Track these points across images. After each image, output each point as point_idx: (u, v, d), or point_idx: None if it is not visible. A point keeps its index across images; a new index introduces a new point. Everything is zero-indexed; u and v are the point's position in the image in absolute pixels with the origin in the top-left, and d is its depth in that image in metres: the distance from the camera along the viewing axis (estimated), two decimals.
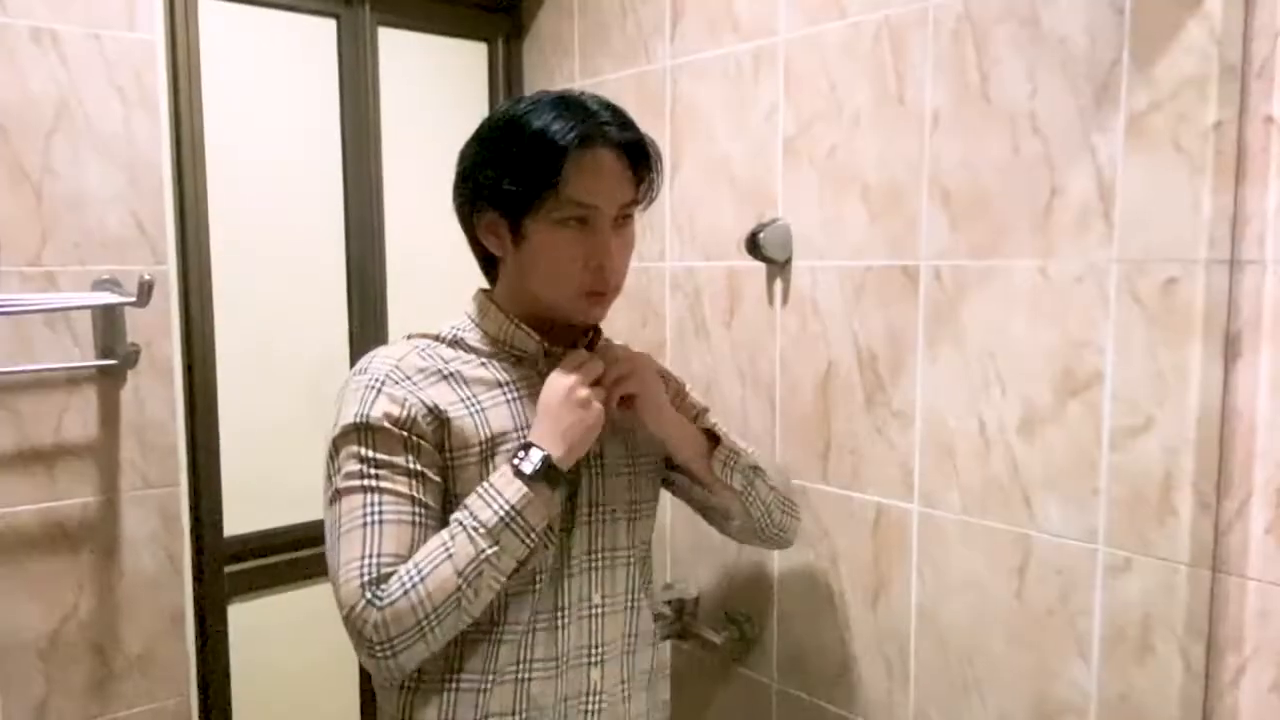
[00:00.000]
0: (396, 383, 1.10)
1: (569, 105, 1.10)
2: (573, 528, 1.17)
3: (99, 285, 1.55)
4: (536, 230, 1.10)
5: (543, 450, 1.06)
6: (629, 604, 1.23)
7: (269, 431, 1.83)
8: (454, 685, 1.13)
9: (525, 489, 1.05)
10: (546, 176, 1.07)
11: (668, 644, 1.33)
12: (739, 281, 1.68)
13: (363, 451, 1.07)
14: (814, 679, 1.63)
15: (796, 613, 1.64)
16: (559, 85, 2.00)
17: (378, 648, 1.03)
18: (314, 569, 1.91)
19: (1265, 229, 1.11)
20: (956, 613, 1.42)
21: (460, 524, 1.05)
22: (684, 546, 1.82)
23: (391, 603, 1.02)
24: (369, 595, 1.03)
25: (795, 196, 1.58)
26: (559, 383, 1.10)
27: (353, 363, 1.91)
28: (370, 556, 1.04)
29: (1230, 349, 1.14)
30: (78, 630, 1.59)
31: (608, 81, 1.89)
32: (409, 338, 1.19)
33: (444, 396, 1.11)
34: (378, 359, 1.14)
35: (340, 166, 1.88)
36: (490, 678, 1.13)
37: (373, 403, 1.09)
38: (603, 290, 1.13)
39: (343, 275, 1.90)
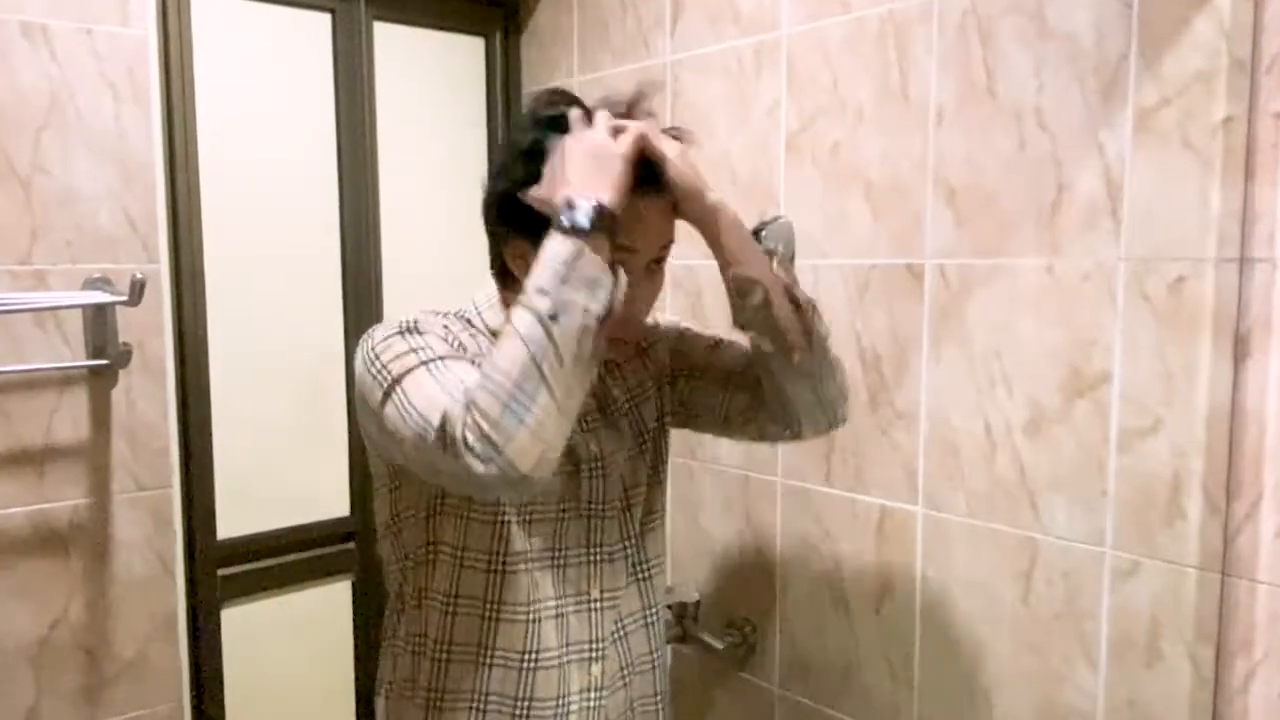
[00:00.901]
0: (420, 323, 1.11)
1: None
2: (568, 521, 1.18)
3: (90, 284, 1.55)
4: None
5: (590, 200, 0.98)
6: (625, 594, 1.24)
7: (263, 432, 1.82)
8: (444, 656, 1.16)
9: (574, 241, 0.98)
10: None
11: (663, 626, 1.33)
12: None
13: (409, 343, 1.07)
14: (817, 685, 1.63)
15: (799, 617, 1.65)
16: (558, 81, 2.00)
17: (478, 448, 0.93)
18: (309, 572, 1.91)
19: (1275, 227, 1.11)
20: (962, 617, 1.43)
21: (519, 302, 1.00)
22: (685, 550, 1.82)
23: (474, 399, 0.96)
24: (457, 400, 0.97)
25: (797, 194, 1.59)
26: (584, 134, 1.05)
27: (348, 362, 1.91)
28: (448, 385, 1.01)
29: (1240, 348, 1.14)
30: (68, 634, 1.59)
31: (607, 76, 1.90)
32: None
33: (467, 343, 1.13)
34: (390, 318, 1.15)
35: (335, 163, 1.88)
36: (487, 654, 1.14)
37: (413, 324, 1.10)
38: (624, 337, 1.13)
39: (338, 273, 1.90)
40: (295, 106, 1.84)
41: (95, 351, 1.57)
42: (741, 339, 1.24)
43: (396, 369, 1.05)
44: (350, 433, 1.92)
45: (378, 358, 1.07)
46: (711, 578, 1.79)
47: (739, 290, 1.16)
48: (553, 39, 2.02)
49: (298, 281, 1.86)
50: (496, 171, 1.14)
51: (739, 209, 1.65)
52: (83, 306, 1.55)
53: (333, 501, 1.93)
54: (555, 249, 0.98)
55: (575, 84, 1.97)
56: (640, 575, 1.25)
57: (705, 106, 1.72)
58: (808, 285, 1.57)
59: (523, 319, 0.97)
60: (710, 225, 1.14)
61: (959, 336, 1.40)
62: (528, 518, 1.15)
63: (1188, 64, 1.15)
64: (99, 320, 1.56)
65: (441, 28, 2.02)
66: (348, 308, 1.91)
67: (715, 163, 1.70)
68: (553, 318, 0.96)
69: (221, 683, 1.79)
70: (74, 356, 1.56)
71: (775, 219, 1.60)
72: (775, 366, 1.19)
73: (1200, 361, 1.17)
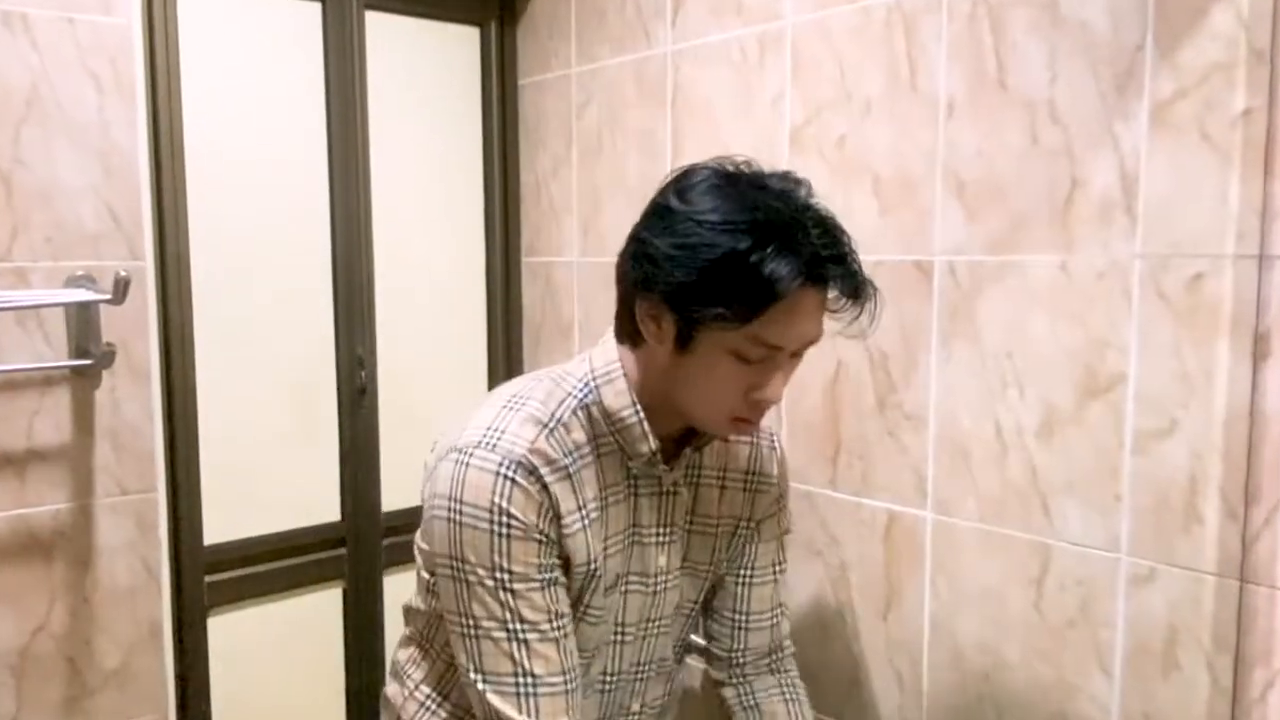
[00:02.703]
0: (530, 472, 1.04)
1: (788, 228, 0.99)
2: (623, 643, 1.18)
3: (72, 282, 1.55)
4: (708, 349, 1.02)
5: None
6: (663, 707, 1.27)
7: (250, 435, 1.82)
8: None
9: None
10: (748, 314, 0.98)
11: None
12: None
13: (496, 556, 1.03)
14: (822, 694, 1.62)
15: (804, 625, 1.64)
16: (554, 72, 2.00)
17: None
18: (298, 579, 1.91)
19: None
20: (972, 625, 1.42)
21: None
22: None
23: None
24: None
25: None
26: None
27: (338, 363, 1.91)
28: (524, 676, 1.04)
29: (1259, 348, 1.14)
30: (50, 643, 1.59)
31: (606, 68, 1.89)
32: (523, 404, 1.09)
33: (566, 502, 1.07)
34: (506, 437, 1.06)
35: (325, 157, 1.88)
36: None
37: (509, 495, 1.03)
38: (753, 420, 1.09)
39: (328, 271, 1.90)
40: (284, 98, 1.84)
41: (78, 351, 1.57)
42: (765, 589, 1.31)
43: (469, 569, 1.04)
44: (341, 436, 1.92)
45: (464, 513, 1.03)
46: None
47: None
48: (549, 28, 2.02)
49: (287, 279, 1.86)
50: (650, 228, 1.05)
51: None
52: (65, 305, 1.55)
53: (323, 506, 1.93)
54: None
55: (572, 75, 1.97)
56: (664, 704, 1.28)
57: (707, 99, 1.72)
58: None
59: None
60: None
61: (969, 335, 1.39)
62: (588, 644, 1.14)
63: (1205, 54, 1.15)
64: (82, 319, 1.56)
65: (435, 17, 2.01)
66: (338, 306, 1.91)
67: (718, 156, 1.70)
68: None
69: (208, 693, 1.79)
70: (56, 357, 1.55)
71: None
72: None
73: (1218, 362, 1.16)
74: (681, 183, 1.05)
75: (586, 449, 1.09)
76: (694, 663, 1.79)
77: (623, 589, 1.15)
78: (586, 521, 1.08)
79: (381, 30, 1.94)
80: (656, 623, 1.20)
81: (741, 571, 1.29)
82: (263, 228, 1.82)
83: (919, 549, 1.48)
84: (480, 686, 1.05)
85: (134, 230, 1.61)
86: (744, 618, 1.29)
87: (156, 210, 1.67)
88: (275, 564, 1.87)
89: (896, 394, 1.48)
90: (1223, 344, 1.16)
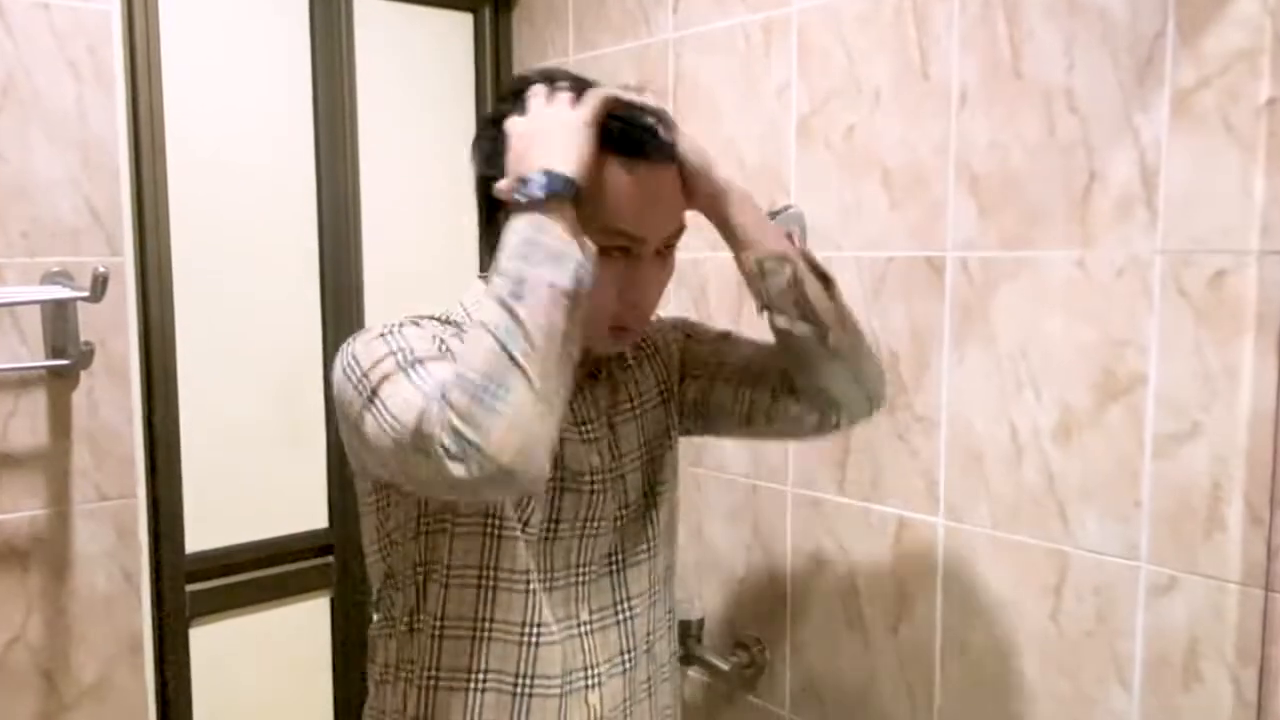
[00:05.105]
0: (415, 324, 1.10)
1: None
2: (554, 539, 1.17)
3: (49, 279, 1.55)
4: None
5: (540, 171, 1.00)
6: (620, 616, 1.22)
7: (234, 439, 1.82)
8: (432, 683, 1.15)
9: (529, 215, 0.99)
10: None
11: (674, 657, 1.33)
12: None
13: (389, 345, 1.05)
14: (831, 708, 1.63)
15: (811, 636, 1.65)
16: (552, 60, 2.00)
17: (453, 447, 0.93)
18: (285, 588, 1.91)
19: None
20: (986, 636, 1.43)
21: (484, 291, 1.01)
22: (689, 564, 1.82)
23: (447, 396, 0.95)
24: (433, 399, 0.97)
25: (810, 181, 1.59)
26: (538, 111, 1.07)
27: (326, 363, 1.91)
28: (426, 386, 1.00)
29: None
30: (25, 655, 1.59)
31: (605, 55, 1.90)
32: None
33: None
34: (371, 324, 1.13)
35: (313, 148, 1.88)
36: (480, 678, 1.14)
37: (400, 329, 1.08)
38: (631, 326, 1.13)
39: (316, 267, 1.90)
40: (270, 87, 1.84)
41: (54, 351, 1.57)
42: (752, 332, 1.24)
43: (375, 376, 1.04)
44: (329, 439, 1.92)
45: (357, 364, 1.07)
46: (717, 594, 1.79)
47: (762, 272, 1.17)
48: (546, 15, 2.02)
49: (272, 275, 1.86)
50: (489, 165, 1.14)
51: None
52: (41, 303, 1.55)
53: (310, 513, 1.93)
54: (512, 228, 1.00)
55: (570, 63, 1.97)
56: (620, 611, 1.22)
57: (710, 88, 1.72)
58: None
59: (487, 306, 0.97)
60: (721, 204, 1.14)
61: (983, 335, 1.40)
62: (518, 534, 1.14)
63: (1229, 41, 1.15)
64: (58, 318, 1.56)
65: (427, 2, 2.02)
66: (326, 304, 1.91)
67: (721, 148, 1.70)
68: (516, 297, 0.96)
69: (190, 707, 1.79)
70: (31, 356, 1.55)
71: (785, 208, 1.60)
72: (810, 350, 1.18)
73: (1242, 361, 1.17)
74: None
75: (459, 342, 1.12)
76: (695, 674, 1.79)
77: (556, 484, 1.15)
78: None
79: (371, 16, 1.94)
80: (595, 523, 1.19)
81: (713, 366, 1.28)
82: (247, 222, 1.82)
83: (930, 557, 1.48)
84: (398, 434, 1.00)
85: (113, 224, 1.61)
86: (748, 384, 1.26)
87: (136, 204, 1.67)
88: (260, 572, 1.87)
89: (906, 395, 1.49)
90: (1247, 343, 1.16)
